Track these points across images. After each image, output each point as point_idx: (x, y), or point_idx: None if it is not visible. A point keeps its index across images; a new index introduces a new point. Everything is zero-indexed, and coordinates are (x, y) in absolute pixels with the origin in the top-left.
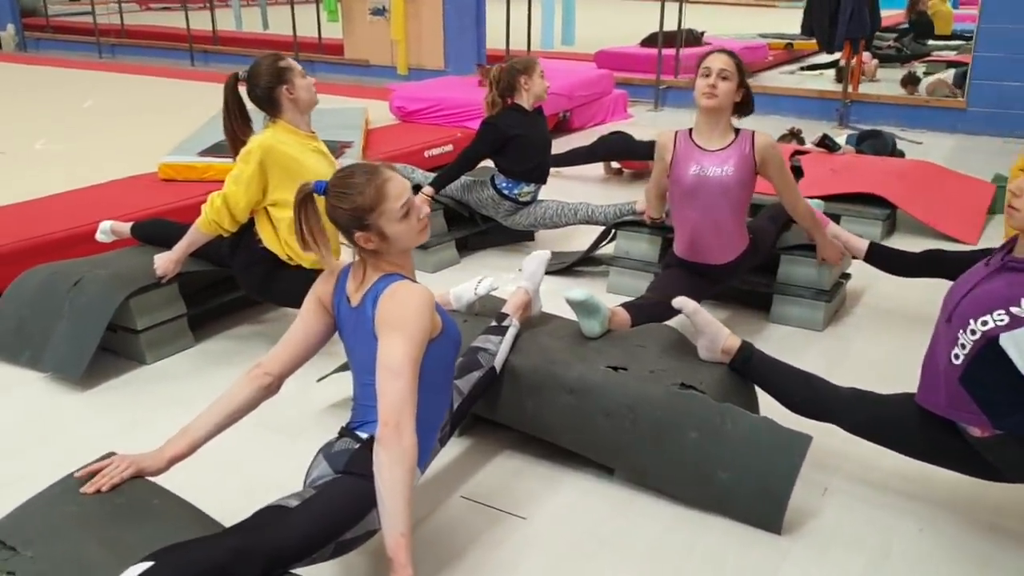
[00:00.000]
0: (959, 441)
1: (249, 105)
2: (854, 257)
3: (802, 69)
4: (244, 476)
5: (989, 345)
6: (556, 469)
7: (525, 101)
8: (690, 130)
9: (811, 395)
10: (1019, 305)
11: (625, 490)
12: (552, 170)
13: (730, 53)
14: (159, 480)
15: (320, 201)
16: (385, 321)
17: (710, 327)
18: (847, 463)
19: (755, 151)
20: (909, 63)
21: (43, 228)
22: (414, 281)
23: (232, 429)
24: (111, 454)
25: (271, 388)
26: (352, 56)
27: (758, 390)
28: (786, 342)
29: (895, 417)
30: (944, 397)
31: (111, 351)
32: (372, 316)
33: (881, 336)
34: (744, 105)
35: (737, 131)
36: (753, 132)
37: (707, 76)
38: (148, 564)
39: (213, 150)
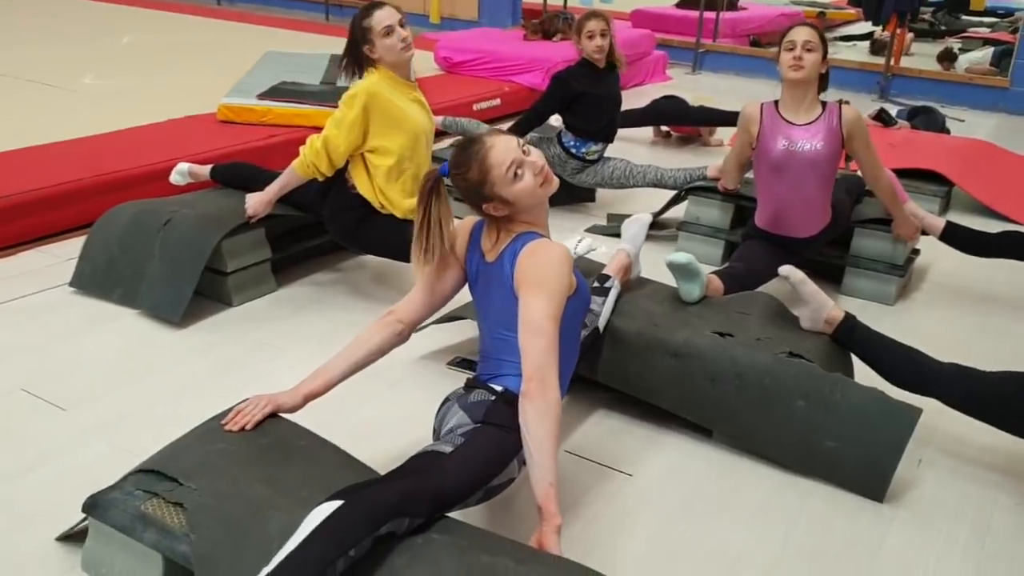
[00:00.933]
0: None
1: None
2: (928, 235)
3: (837, 39)
4: (348, 421)
5: None
6: (654, 430)
7: (596, 59)
8: (775, 103)
9: (913, 369)
10: None
11: (726, 453)
12: None
13: (813, 26)
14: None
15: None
16: (526, 279)
17: (816, 297)
18: (940, 436)
19: (843, 125)
20: (943, 38)
21: (113, 165)
22: (549, 236)
23: (345, 387)
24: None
25: (402, 335)
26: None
27: (856, 361)
28: (858, 315)
29: (1000, 394)
30: None
31: (198, 292)
32: (511, 273)
33: (951, 313)
34: (824, 78)
35: (824, 104)
36: (840, 105)
37: (792, 49)
38: (339, 502)
39: (271, 94)
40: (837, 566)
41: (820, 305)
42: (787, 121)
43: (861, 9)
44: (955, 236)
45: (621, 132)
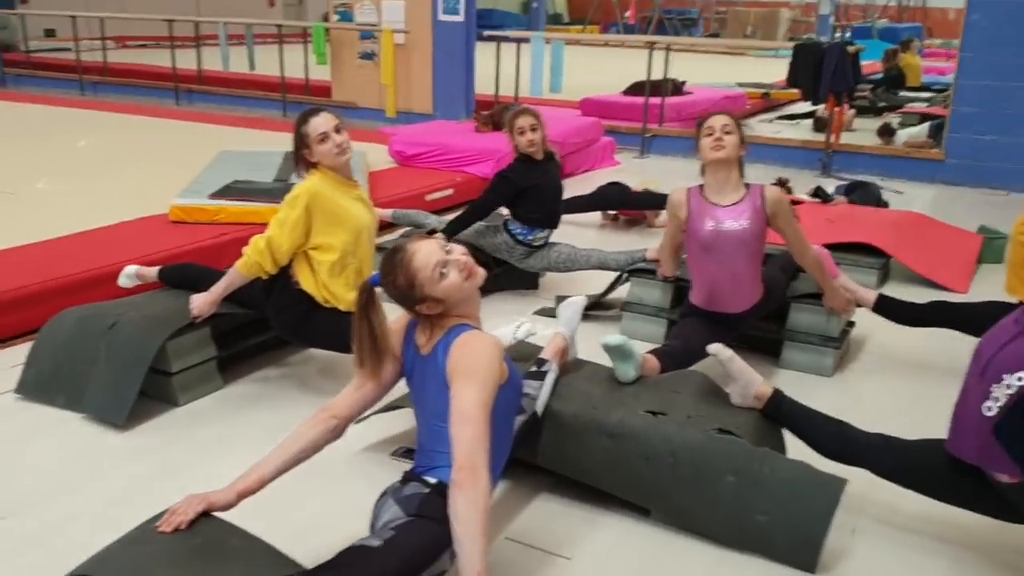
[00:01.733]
0: (985, 486)
1: None
2: (862, 307)
3: (779, 119)
4: (291, 517)
5: (1022, 399)
6: (593, 511)
7: (532, 152)
8: (700, 187)
9: (841, 440)
10: None
11: (663, 531)
12: None
13: (727, 113)
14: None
15: None
16: (457, 369)
17: (744, 374)
18: (872, 505)
19: (766, 204)
20: (882, 114)
21: (63, 269)
22: (480, 328)
23: (287, 482)
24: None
25: (337, 430)
26: (340, 98)
27: (787, 434)
28: (796, 387)
29: (924, 463)
30: (975, 445)
31: (143, 393)
32: (443, 364)
33: (887, 382)
34: (741, 163)
35: (747, 185)
36: (762, 186)
37: (711, 134)
38: None
39: (223, 193)
40: None
41: (748, 381)
42: (713, 203)
43: (799, 90)
44: (887, 308)
45: (572, 217)
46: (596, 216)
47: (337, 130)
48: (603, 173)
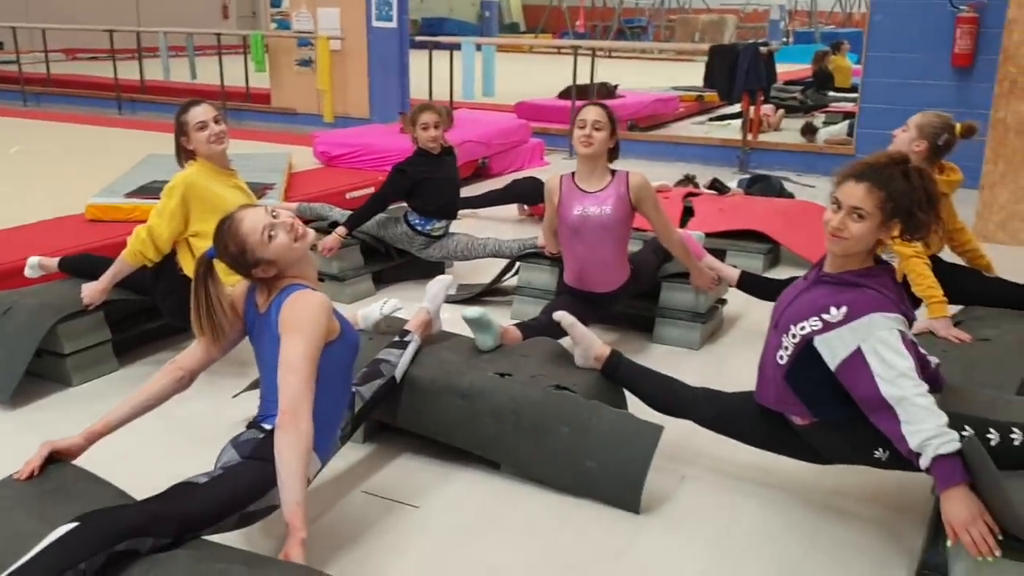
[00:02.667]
0: (788, 430)
1: None
2: (729, 285)
3: (711, 120)
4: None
5: (806, 347)
6: (449, 467)
7: (431, 147)
8: (572, 173)
9: (669, 395)
10: (829, 312)
11: (510, 481)
12: (469, 211)
13: (602, 106)
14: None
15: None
16: (286, 324)
17: (585, 338)
18: (704, 457)
19: (630, 191)
20: (811, 113)
21: None
22: (315, 288)
23: (152, 442)
24: None
25: (183, 381)
26: (279, 105)
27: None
28: (666, 359)
29: (739, 412)
30: (773, 393)
31: (39, 376)
32: (276, 320)
33: (750, 354)
34: (614, 150)
35: (614, 172)
36: (628, 173)
37: (583, 128)
38: (74, 524)
39: (139, 192)
40: (584, 568)
41: (589, 345)
42: (581, 190)
43: (716, 90)
44: (748, 284)
45: (490, 211)
46: (513, 211)
47: (216, 120)
48: (531, 173)
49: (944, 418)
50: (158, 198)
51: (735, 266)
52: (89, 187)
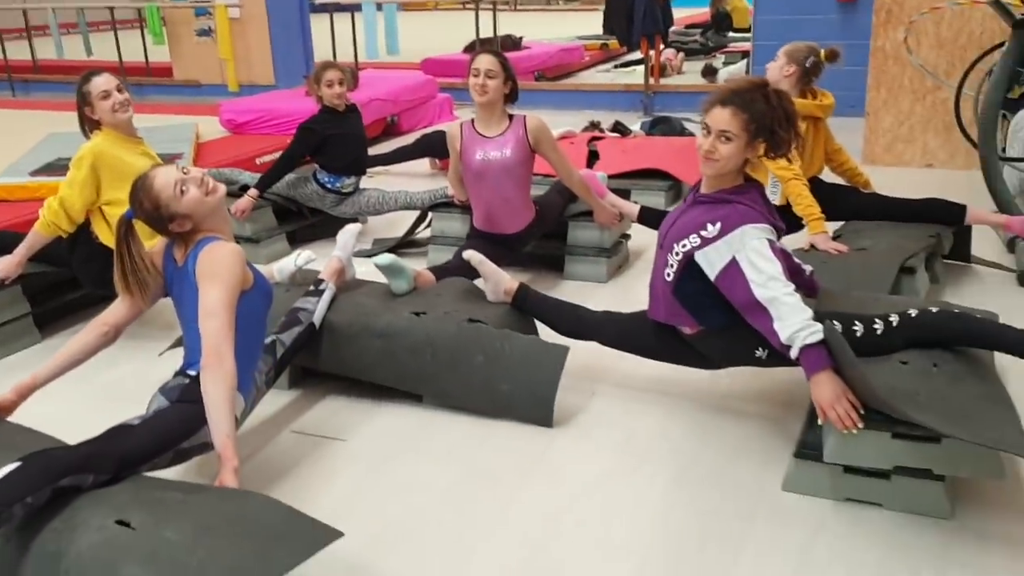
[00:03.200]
0: (680, 341)
1: None
2: (631, 220)
3: (616, 67)
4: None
5: (689, 262)
6: (373, 403)
7: (336, 104)
8: (472, 121)
9: (574, 320)
10: (706, 229)
11: (432, 411)
12: (381, 167)
13: (495, 53)
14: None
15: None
16: (203, 273)
17: (494, 274)
18: (612, 373)
19: (528, 133)
20: (711, 55)
21: None
22: (229, 240)
23: (85, 404)
24: None
25: (108, 336)
26: (182, 77)
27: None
28: (577, 293)
29: (635, 329)
30: (664, 308)
31: None
32: (194, 271)
33: None
34: (511, 95)
35: (511, 117)
36: (525, 117)
37: (477, 76)
38: (18, 463)
39: (45, 170)
40: (504, 477)
41: (498, 280)
42: (482, 135)
43: (615, 36)
44: (646, 218)
45: (402, 166)
46: (425, 165)
47: (119, 89)
48: (442, 127)
49: (809, 313)
50: (64, 175)
51: (638, 203)
52: None
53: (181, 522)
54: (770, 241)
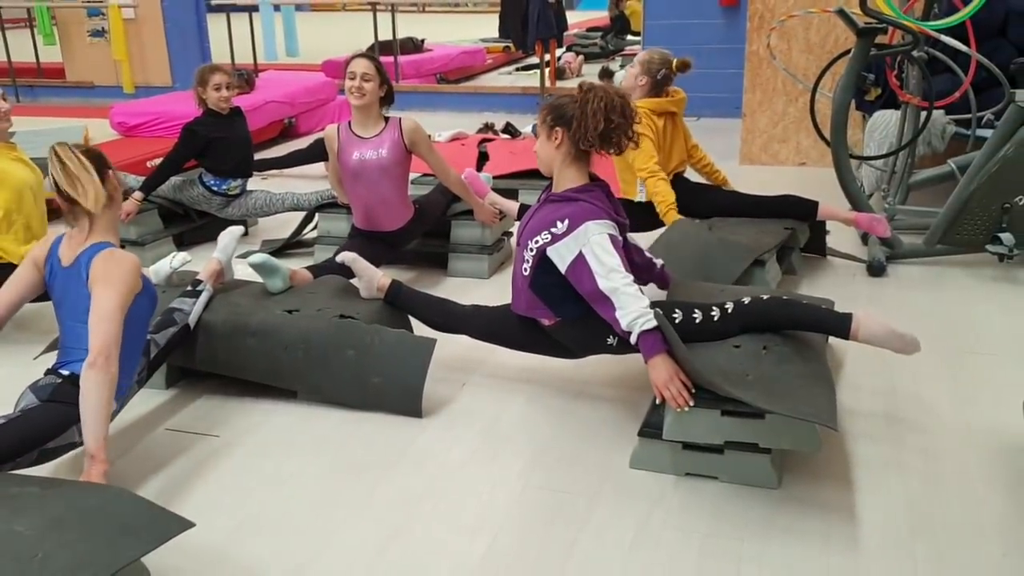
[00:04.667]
0: (541, 332)
1: None
2: (513, 218)
3: (517, 70)
4: None
5: (542, 257)
6: (248, 400)
7: (214, 106)
8: (349, 123)
9: (443, 314)
10: (555, 226)
11: (306, 406)
12: (275, 170)
13: (370, 57)
14: None
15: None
16: (99, 277)
17: (367, 271)
18: (483, 365)
19: (403, 135)
20: (611, 57)
21: None
22: (116, 244)
23: None
24: None
25: None
26: (75, 79)
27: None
28: (459, 290)
29: (500, 321)
30: (524, 301)
31: None
32: (86, 274)
33: None
34: (387, 98)
35: (387, 119)
36: (400, 119)
37: (353, 79)
38: None
39: None
40: (370, 467)
41: (371, 277)
42: (358, 136)
43: (511, 40)
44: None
45: (296, 168)
46: (320, 168)
47: (3, 98)
48: None
49: (646, 301)
50: None
51: (522, 203)
52: None
53: (33, 516)
54: (612, 236)
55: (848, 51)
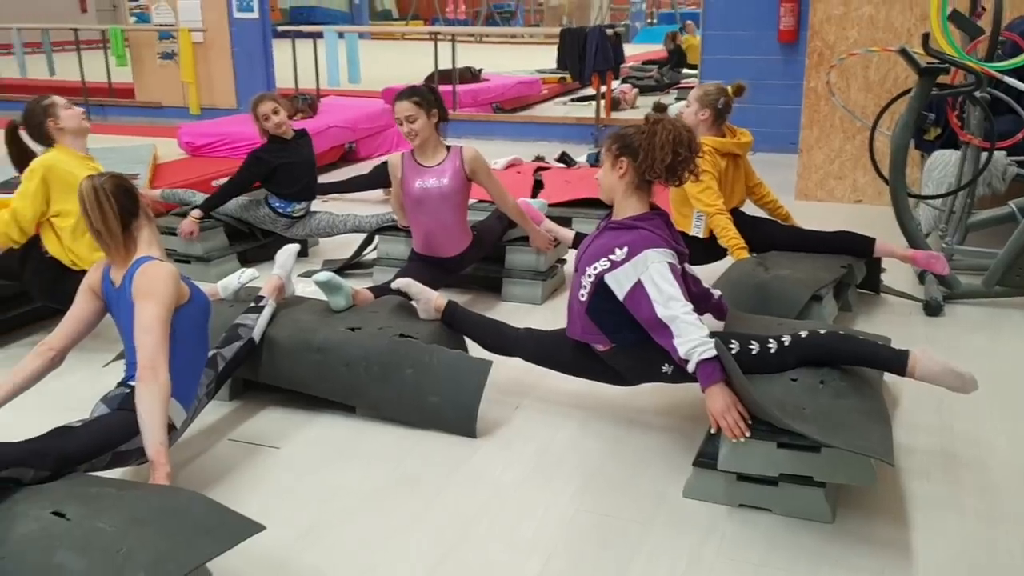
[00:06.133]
0: (595, 358)
1: (36, 145)
2: (567, 246)
3: (573, 100)
4: None
5: (600, 284)
6: (308, 414)
7: (281, 133)
8: (412, 151)
9: (497, 336)
10: (614, 253)
11: (363, 421)
12: (336, 194)
13: (408, 95)
14: None
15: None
16: (138, 291)
17: (423, 294)
18: (536, 389)
19: (464, 163)
20: (665, 91)
21: None
22: (163, 259)
23: (32, 412)
24: None
25: (54, 360)
26: (144, 99)
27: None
28: (513, 314)
29: (552, 345)
30: (579, 326)
31: None
32: (131, 290)
33: None
34: (441, 120)
35: (448, 148)
36: (461, 148)
37: (401, 125)
38: None
39: (3, 187)
40: (425, 483)
41: (428, 298)
42: (420, 165)
43: (568, 71)
44: (579, 244)
45: (358, 195)
46: (378, 194)
47: (85, 116)
48: None
49: (705, 330)
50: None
51: (577, 231)
52: None
53: (113, 514)
54: (671, 264)
55: (909, 90)
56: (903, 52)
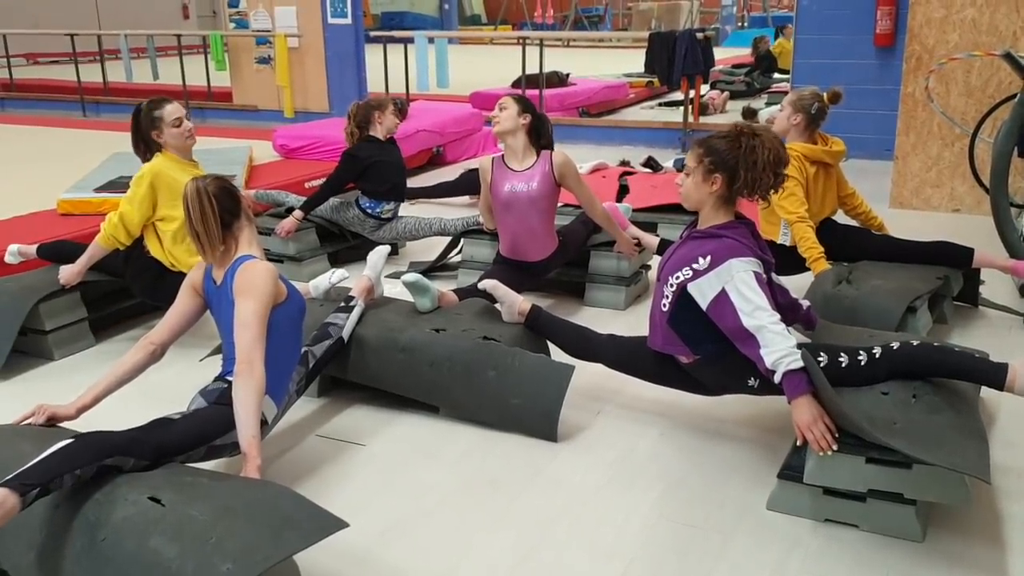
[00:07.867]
0: (678, 368)
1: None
2: (651, 251)
3: (660, 105)
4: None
5: (683, 293)
6: (393, 412)
7: (379, 133)
8: (503, 156)
9: (580, 341)
10: (697, 262)
11: (447, 421)
12: (423, 199)
13: (513, 95)
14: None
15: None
16: (239, 288)
17: (508, 296)
18: (618, 395)
19: (553, 168)
20: (756, 95)
21: None
22: (263, 259)
23: (131, 403)
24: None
25: (155, 354)
26: (241, 102)
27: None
28: (596, 320)
29: (635, 353)
30: (661, 336)
31: (24, 352)
32: (231, 287)
33: None
34: (533, 132)
35: (539, 152)
36: (551, 153)
37: (494, 111)
38: (71, 439)
39: (107, 187)
40: (506, 485)
41: (512, 302)
42: (510, 169)
43: (656, 75)
44: (665, 250)
45: (444, 201)
46: (465, 199)
47: (188, 117)
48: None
49: (793, 341)
50: (125, 192)
51: (662, 237)
52: (61, 185)
53: (205, 503)
54: (757, 273)
55: (1013, 96)
56: (1008, 56)
